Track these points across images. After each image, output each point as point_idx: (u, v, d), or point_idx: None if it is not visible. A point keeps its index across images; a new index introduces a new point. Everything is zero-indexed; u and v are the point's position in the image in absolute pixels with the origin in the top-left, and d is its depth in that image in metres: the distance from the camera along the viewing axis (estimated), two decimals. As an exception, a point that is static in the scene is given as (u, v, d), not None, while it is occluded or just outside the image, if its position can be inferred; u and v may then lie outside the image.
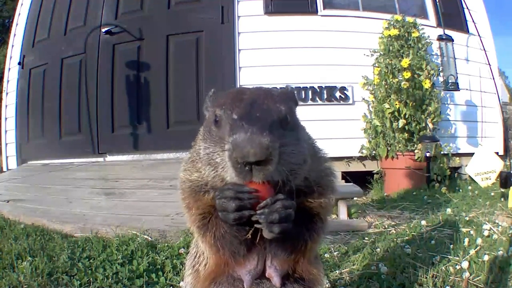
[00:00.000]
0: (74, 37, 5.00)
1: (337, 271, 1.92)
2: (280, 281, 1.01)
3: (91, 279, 1.81)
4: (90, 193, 3.37)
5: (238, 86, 4.31)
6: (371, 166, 4.38)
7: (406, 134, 4.07)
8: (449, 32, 4.60)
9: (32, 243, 2.23)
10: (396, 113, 4.07)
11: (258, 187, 0.88)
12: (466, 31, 4.99)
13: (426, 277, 1.76)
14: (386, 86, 4.10)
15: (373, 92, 4.28)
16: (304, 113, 4.31)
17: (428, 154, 3.83)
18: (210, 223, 0.97)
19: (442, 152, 4.22)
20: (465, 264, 1.83)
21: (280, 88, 1.12)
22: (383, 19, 4.39)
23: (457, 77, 4.41)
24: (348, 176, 4.22)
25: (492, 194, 3.50)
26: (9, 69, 5.80)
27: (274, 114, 0.90)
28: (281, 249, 0.97)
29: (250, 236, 0.93)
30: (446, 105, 4.68)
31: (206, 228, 0.97)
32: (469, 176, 4.13)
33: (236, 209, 0.88)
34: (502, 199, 3.18)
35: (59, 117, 5.07)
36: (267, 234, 0.90)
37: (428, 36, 4.37)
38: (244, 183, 0.87)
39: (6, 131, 5.85)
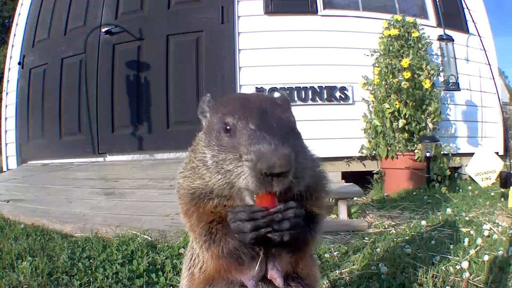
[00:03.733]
0: (74, 37, 5.00)
1: (337, 271, 1.92)
2: (283, 281, 1.01)
3: (91, 279, 1.81)
4: (90, 193, 3.37)
5: (238, 86, 4.32)
6: (371, 166, 4.38)
7: (406, 134, 4.07)
8: (449, 32, 4.59)
9: (32, 243, 2.23)
10: (396, 113, 4.07)
11: (264, 199, 0.89)
12: (466, 31, 4.98)
13: (426, 277, 1.76)
14: (386, 86, 4.10)
15: (373, 92, 4.28)
16: (304, 113, 4.38)
17: (428, 154, 3.83)
18: (217, 237, 0.96)
19: (442, 152, 4.22)
20: (465, 264, 1.83)
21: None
22: (383, 19, 4.38)
23: (457, 77, 4.41)
24: (348, 176, 4.22)
25: (492, 194, 3.50)
26: (9, 69, 5.79)
27: (287, 123, 0.93)
28: (285, 251, 0.98)
29: (260, 252, 0.95)
30: (446, 105, 4.68)
31: (213, 241, 0.97)
32: (469, 176, 4.13)
33: (252, 230, 0.89)
34: (502, 199, 3.18)
35: (59, 117, 5.07)
36: (277, 238, 0.92)
37: (428, 36, 4.37)
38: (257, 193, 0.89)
39: (6, 131, 5.84)
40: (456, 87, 4.41)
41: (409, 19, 4.26)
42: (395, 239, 2.34)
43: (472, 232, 2.34)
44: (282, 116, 0.94)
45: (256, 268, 0.98)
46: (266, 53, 4.38)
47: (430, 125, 4.12)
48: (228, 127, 0.92)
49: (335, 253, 2.17)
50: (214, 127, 0.97)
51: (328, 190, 1.08)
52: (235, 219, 0.91)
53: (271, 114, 0.92)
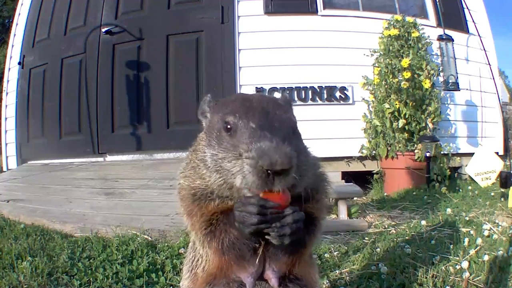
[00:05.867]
0: (74, 37, 5.00)
1: (337, 271, 1.92)
2: (278, 282, 1.01)
3: (91, 279, 1.81)
4: (90, 193, 3.37)
5: (238, 86, 4.32)
6: (371, 166, 4.38)
7: (406, 134, 4.07)
8: (449, 32, 4.59)
9: (32, 243, 2.23)
10: (396, 113, 4.07)
11: (275, 198, 0.88)
12: (466, 31, 4.99)
13: (426, 277, 1.76)
14: (386, 86, 4.10)
15: (373, 92, 4.28)
16: (304, 113, 4.37)
17: (428, 154, 3.83)
18: (218, 230, 0.96)
19: (442, 152, 4.22)
20: (465, 264, 1.83)
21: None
22: (383, 19, 4.39)
23: (457, 77, 4.41)
24: (348, 176, 4.22)
25: (492, 194, 3.50)
26: (9, 69, 5.79)
27: (288, 124, 0.94)
28: (282, 252, 0.98)
29: (260, 247, 0.95)
30: (446, 105, 4.68)
31: (213, 235, 0.97)
32: (469, 176, 4.13)
33: (257, 224, 0.89)
34: (502, 199, 3.18)
35: (59, 117, 5.07)
36: (276, 242, 0.92)
37: (428, 36, 4.37)
38: (258, 191, 0.88)
39: (6, 131, 5.84)
40: (456, 87, 4.41)
41: (409, 19, 4.27)
42: (395, 239, 2.34)
43: (472, 232, 2.34)
44: (284, 116, 0.95)
45: (256, 263, 0.98)
46: (266, 53, 4.38)
47: (430, 125, 4.12)
48: (229, 126, 0.92)
49: (335, 253, 2.17)
50: (215, 126, 0.97)
51: (329, 192, 1.08)
52: (242, 210, 0.90)
53: (273, 114, 0.93)
